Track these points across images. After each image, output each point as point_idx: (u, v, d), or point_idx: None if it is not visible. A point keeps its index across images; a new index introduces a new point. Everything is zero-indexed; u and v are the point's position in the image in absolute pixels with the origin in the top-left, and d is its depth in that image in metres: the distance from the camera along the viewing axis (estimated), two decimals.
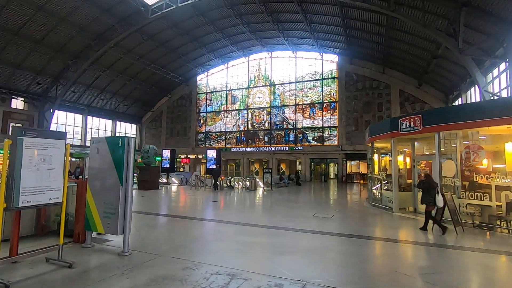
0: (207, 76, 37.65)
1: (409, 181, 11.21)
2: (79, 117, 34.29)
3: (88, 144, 34.64)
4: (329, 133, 30.98)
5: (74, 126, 34.05)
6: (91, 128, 35.85)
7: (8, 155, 3.58)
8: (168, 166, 22.22)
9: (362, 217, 9.29)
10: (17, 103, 28.68)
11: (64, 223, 5.42)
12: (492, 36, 14.37)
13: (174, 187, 20.23)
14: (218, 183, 17.71)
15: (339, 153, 30.12)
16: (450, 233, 6.76)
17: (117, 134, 38.99)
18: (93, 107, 34.79)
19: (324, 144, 31.01)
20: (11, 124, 27.84)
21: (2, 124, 27.03)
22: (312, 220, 8.30)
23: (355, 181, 29.53)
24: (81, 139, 34.33)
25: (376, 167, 12.43)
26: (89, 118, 35.26)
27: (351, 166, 30.96)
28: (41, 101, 29.54)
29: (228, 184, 19.03)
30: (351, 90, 30.17)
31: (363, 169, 30.54)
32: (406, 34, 20.95)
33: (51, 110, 30.00)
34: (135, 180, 20.21)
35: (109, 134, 38.07)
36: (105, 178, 4.72)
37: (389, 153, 11.00)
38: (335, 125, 30.68)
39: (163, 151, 23.08)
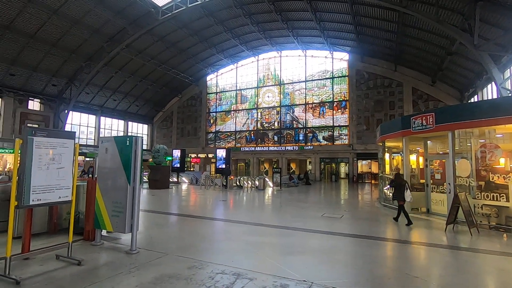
0: (216, 76, 37.83)
1: (422, 181, 10.93)
2: (92, 118, 35.08)
3: None
4: (340, 132, 30.60)
5: (87, 126, 34.86)
6: (104, 129, 36.61)
7: (19, 154, 3.67)
8: (178, 165, 22.43)
9: (373, 218, 9.11)
10: (34, 105, 29.57)
11: (75, 221, 5.53)
12: (510, 31, 13.84)
13: (184, 187, 20.42)
14: (227, 182, 17.79)
15: (350, 153, 29.72)
16: (465, 235, 6.55)
17: (129, 134, 39.70)
18: (105, 108, 35.52)
19: (335, 143, 30.66)
20: (28, 125, 28.77)
21: (20, 124, 27.92)
22: (321, 220, 8.21)
23: (366, 181, 29.08)
24: (94, 139, 35.09)
25: (387, 167, 12.18)
26: (102, 118, 36.01)
27: (362, 165, 30.49)
28: (56, 102, 30.37)
29: (238, 183, 19.06)
30: (362, 88, 29.70)
31: (375, 168, 30.04)
32: (419, 30, 20.45)
33: (66, 111, 30.81)
34: (146, 179, 20.55)
35: (121, 134, 38.81)
36: (114, 177, 4.79)
37: (401, 152, 10.76)
38: (346, 124, 30.28)
39: (173, 150, 23.33)
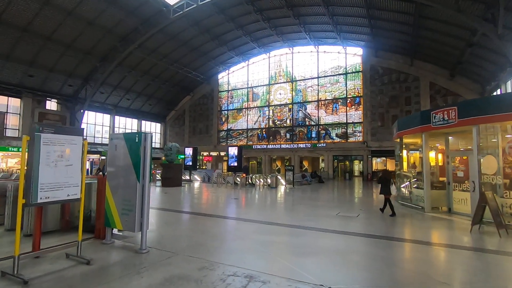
0: (228, 74, 37.76)
1: (441, 178, 10.45)
2: (107, 117, 35.75)
3: None
4: (354, 129, 29.95)
5: (102, 125, 35.57)
6: (119, 128, 37.23)
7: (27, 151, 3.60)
8: (190, 163, 22.50)
9: (390, 217, 8.74)
10: (51, 105, 30.38)
11: (87, 219, 5.50)
12: None
13: (196, 184, 20.46)
14: (245, 180, 17.72)
15: (364, 150, 29.04)
16: (493, 236, 6.14)
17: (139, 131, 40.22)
18: (119, 107, 36.11)
19: (348, 140, 30.04)
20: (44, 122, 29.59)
21: None
22: (335, 219, 7.92)
23: None
24: (109, 138, 35.74)
25: (405, 164, 11.70)
26: (116, 117, 36.64)
27: (377, 163, 29.76)
28: (72, 102, 31.09)
29: (250, 181, 18.91)
30: (377, 84, 28.92)
31: (390, 166, 29.25)
32: (437, 22, 19.61)
33: (81, 111, 31.51)
34: (158, 177, 20.72)
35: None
36: (123, 175, 4.70)
37: (420, 149, 10.29)
38: (360, 120, 29.59)
39: (186, 149, 23.41)
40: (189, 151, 22.84)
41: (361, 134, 29.49)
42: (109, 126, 36.00)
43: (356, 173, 31.59)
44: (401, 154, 11.21)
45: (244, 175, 18.64)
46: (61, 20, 23.30)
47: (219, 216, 7.97)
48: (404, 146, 11.65)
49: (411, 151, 12.91)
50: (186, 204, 11.06)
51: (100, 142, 34.49)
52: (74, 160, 3.91)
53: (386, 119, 28.29)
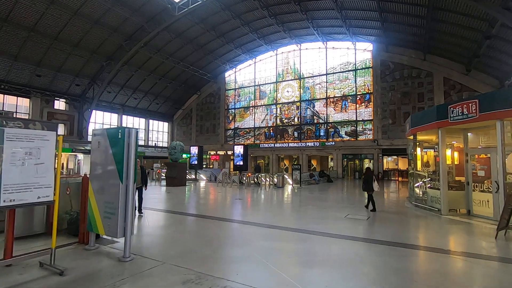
0: (235, 72, 37.32)
1: (457, 178, 9.70)
2: (114, 116, 35.83)
3: None
4: (364, 127, 29.06)
5: (110, 125, 35.64)
6: (126, 127, 37.28)
7: None
8: (196, 162, 22.17)
9: (404, 220, 8.10)
10: (59, 104, 30.57)
11: (73, 222, 5.10)
12: None
13: (202, 184, 20.10)
14: (246, 179, 17.26)
15: (375, 148, 28.13)
16: None
17: (150, 132, 40.29)
18: (127, 106, 36.15)
19: (358, 139, 29.17)
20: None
21: None
22: (344, 222, 7.34)
23: (392, 178, 27.43)
24: None
25: (419, 163, 10.97)
26: (124, 117, 36.69)
27: (388, 162, 28.79)
28: (80, 102, 31.24)
29: (255, 180, 18.41)
30: (388, 80, 27.94)
31: (402, 165, 28.25)
32: (452, 13, 18.63)
33: (89, 110, 31.66)
34: (164, 176, 20.43)
35: (142, 132, 39.45)
36: (105, 174, 4.27)
37: (435, 147, 9.57)
38: (370, 118, 28.68)
39: (191, 147, 23.10)
40: (194, 150, 22.51)
41: (371, 132, 28.59)
42: (117, 126, 36.09)
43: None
44: (414, 152, 10.49)
45: (250, 174, 18.15)
46: (67, 20, 23.31)
47: (219, 219, 7.50)
48: (417, 143, 10.95)
49: (424, 149, 12.17)
50: (187, 205, 10.63)
51: None
52: (46, 158, 3.49)
53: (397, 117, 27.31)
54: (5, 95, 26.43)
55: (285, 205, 10.81)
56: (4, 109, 26.10)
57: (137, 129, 4.19)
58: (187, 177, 23.59)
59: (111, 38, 26.86)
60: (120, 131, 4.14)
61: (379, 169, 27.82)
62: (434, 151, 12.89)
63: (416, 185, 10.56)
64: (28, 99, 27.84)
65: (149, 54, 29.92)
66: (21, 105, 27.72)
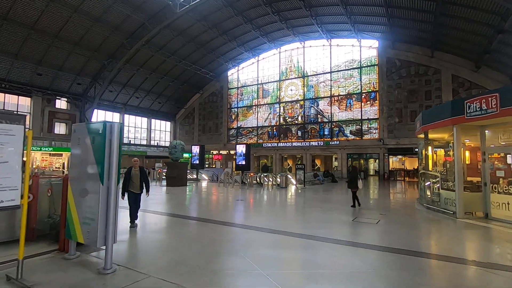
0: (237, 70, 36.84)
1: (470, 178, 9.10)
2: (116, 116, 35.54)
3: (125, 141, 35.88)
4: (369, 126, 28.40)
5: None
6: (128, 126, 37.04)
7: None
8: (197, 162, 21.73)
9: (416, 224, 7.54)
10: (61, 103, 30.34)
11: (54, 227, 4.64)
12: None
13: (204, 184, 19.64)
14: (248, 179, 16.80)
15: (380, 148, 27.46)
16: None
17: (152, 132, 39.98)
18: (129, 105, 35.85)
19: (363, 138, 28.52)
20: (56, 123, 29.62)
21: (48, 123, 28.75)
22: (352, 226, 6.80)
23: (398, 178, 26.72)
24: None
25: (430, 162, 10.37)
26: (126, 116, 36.41)
27: (394, 161, 28.08)
28: (82, 101, 30.98)
29: (258, 180, 17.91)
30: (394, 77, 27.25)
31: (408, 165, 27.57)
32: (462, 7, 17.95)
33: (91, 109, 31.39)
34: (164, 176, 20.03)
35: (144, 131, 39.16)
36: (85, 175, 3.80)
37: (450, 145, 8.98)
38: (376, 117, 28.01)
39: (192, 147, 22.66)
40: (196, 149, 22.07)
41: (377, 131, 27.93)
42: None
43: (372, 172, 30.00)
44: (426, 150, 9.89)
45: (252, 174, 17.66)
46: (67, 18, 23.01)
47: (217, 222, 7.00)
48: (429, 142, 10.35)
49: (435, 149, 11.56)
50: (185, 206, 10.14)
51: None
52: (11, 156, 3.03)
53: (404, 115, 26.62)
54: (6, 94, 26.25)
55: (288, 207, 10.29)
56: (4, 108, 25.92)
57: (121, 123, 3.70)
58: (188, 177, 23.18)
59: (112, 36, 26.53)
60: (101, 126, 3.66)
61: (385, 169, 27.16)
62: (445, 150, 12.28)
63: (427, 184, 9.97)
64: (29, 98, 27.63)
65: (151, 52, 29.57)
66: (22, 104, 27.54)
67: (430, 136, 9.73)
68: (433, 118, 8.88)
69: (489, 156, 7.90)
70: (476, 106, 7.11)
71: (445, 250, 5.22)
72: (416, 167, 26.39)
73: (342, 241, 5.34)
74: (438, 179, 9.03)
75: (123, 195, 6.21)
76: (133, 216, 6.29)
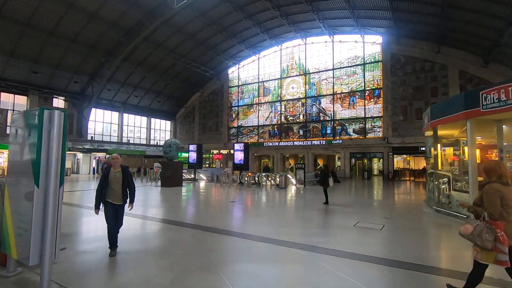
0: (238, 68, 36.14)
1: (479, 178, 8.27)
2: (115, 115, 35.04)
3: (124, 140, 35.36)
4: (373, 124, 27.52)
5: (111, 123, 34.88)
6: (127, 125, 36.53)
7: None
8: (195, 161, 21.05)
9: (426, 230, 6.76)
10: (59, 102, 29.86)
11: None
12: None
13: (201, 184, 18.95)
14: (246, 179, 16.07)
15: (385, 147, 26.58)
16: None
17: (152, 131, 39.43)
18: (128, 104, 35.32)
19: (367, 136, 27.65)
20: None
21: None
22: (353, 232, 6.03)
23: (403, 178, 25.82)
24: (117, 136, 35.10)
25: (439, 161, 9.55)
26: (125, 115, 35.89)
27: (398, 161, 27.16)
28: (80, 100, 30.48)
29: (256, 180, 17.17)
30: (398, 74, 26.35)
31: (414, 164, 26.67)
32: None
33: (89, 108, 30.88)
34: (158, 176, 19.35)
35: (144, 130, 38.63)
36: (21, 175, 3.10)
37: (463, 142, 8.18)
38: (380, 115, 27.12)
39: (190, 145, 21.98)
40: (193, 148, 21.40)
41: (381, 129, 27.04)
42: (118, 124, 35.29)
43: (375, 172, 29.13)
44: (436, 148, 9.07)
45: (250, 174, 16.93)
46: (62, 13, 22.47)
47: (200, 228, 6.26)
48: (437, 139, 9.54)
49: (443, 147, 10.73)
50: (172, 209, 9.38)
51: (109, 140, 33.82)
52: None
53: (409, 113, 25.72)
54: (2, 93, 25.79)
55: (285, 210, 9.53)
56: (0, 107, 25.47)
57: (65, 111, 2.96)
58: (186, 177, 22.52)
59: (109, 33, 25.97)
60: (37, 113, 2.95)
61: (389, 169, 26.26)
62: (454, 148, 11.46)
63: (436, 185, 9.15)
64: (25, 97, 27.17)
65: (149, 50, 28.99)
66: (18, 103, 27.06)
67: (440, 133, 8.91)
68: (443, 112, 8.07)
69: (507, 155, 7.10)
70: (493, 97, 6.30)
71: (465, 264, 4.43)
72: (422, 167, 25.51)
73: (341, 253, 4.58)
74: (448, 179, 8.22)
75: (97, 207, 4.40)
76: (113, 239, 4.42)
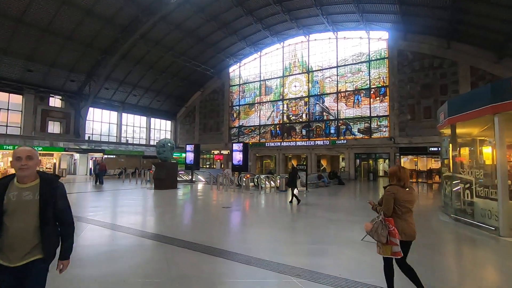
0: (239, 66, 35.22)
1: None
2: (114, 114, 34.32)
3: (123, 141, 34.61)
4: (378, 123, 26.41)
5: (109, 123, 34.16)
6: (126, 125, 35.81)
7: None
8: (192, 162, 20.15)
9: (449, 246, 5.74)
10: (55, 102, 29.18)
11: None
12: None
13: (199, 186, 18.02)
14: (245, 181, 15.12)
15: (391, 147, 25.46)
16: None
17: (152, 131, 38.68)
18: (127, 104, 34.59)
19: (372, 136, 26.55)
20: (49, 122, 28.46)
21: (41, 122, 27.60)
22: (361, 250, 5.02)
23: (410, 180, 24.57)
24: (116, 136, 34.37)
25: (458, 162, 8.48)
26: (124, 115, 35.16)
27: (405, 162, 25.93)
28: (77, 99, 29.78)
29: (255, 182, 16.19)
30: (406, 71, 25.21)
31: (422, 165, 25.48)
32: None
33: (86, 108, 30.17)
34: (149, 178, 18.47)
35: (144, 130, 37.88)
36: None
37: (489, 140, 7.13)
38: (386, 114, 26.01)
39: (187, 145, 21.10)
40: (190, 148, 20.50)
41: (387, 129, 25.91)
42: (116, 124, 34.56)
43: (381, 173, 27.98)
44: (455, 148, 8.00)
45: (248, 176, 15.96)
46: (56, 9, 21.76)
47: (178, 243, 5.28)
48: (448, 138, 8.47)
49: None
50: (154, 217, 8.41)
51: (107, 140, 33.09)
52: None
53: (417, 111, 24.58)
54: None
55: (283, 218, 8.54)
56: None
57: None
58: (183, 179, 21.62)
59: (104, 30, 25.22)
60: None
61: None
62: (469, 149, 10.35)
63: (456, 188, 8.10)
64: (20, 96, 26.50)
65: (147, 47, 28.22)
66: (14, 102, 26.40)
67: (459, 131, 7.85)
68: (464, 107, 7.02)
69: None
70: None
71: None
72: (429, 168, 24.33)
73: (344, 282, 3.59)
74: (470, 184, 7.16)
75: None
76: None
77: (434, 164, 24.23)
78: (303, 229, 6.90)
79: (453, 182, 7.83)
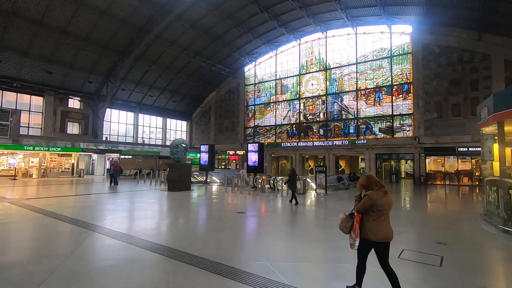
0: (255, 65, 34.59)
1: None
2: (131, 115, 34.64)
3: (139, 141, 34.86)
4: (401, 122, 24.98)
5: (126, 124, 34.50)
6: (143, 126, 36.08)
7: None
8: (206, 163, 19.70)
9: (504, 265, 4.80)
10: (74, 103, 29.71)
11: None
12: None
13: (214, 188, 17.51)
14: (260, 183, 14.44)
15: (415, 147, 23.98)
16: None
17: (168, 131, 38.80)
18: (143, 105, 34.81)
19: (395, 136, 25.15)
20: (68, 123, 28.99)
21: (61, 123, 28.15)
22: (402, 272, 4.13)
23: (437, 183, 23.10)
24: (133, 137, 34.67)
25: (496, 165, 7.42)
26: (140, 115, 35.43)
27: (430, 163, 24.24)
28: (95, 100, 30.19)
29: (271, 184, 15.47)
30: (431, 66, 23.66)
31: (450, 167, 23.75)
32: None
33: (104, 109, 30.54)
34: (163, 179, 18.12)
35: (160, 131, 38.05)
36: None
37: None
38: (409, 112, 24.55)
39: (202, 146, 20.68)
40: (205, 148, 20.06)
41: (411, 128, 24.44)
42: (133, 124, 34.87)
43: (404, 175, 26.45)
44: (502, 147, 6.94)
45: (264, 177, 15.27)
46: (73, 11, 21.99)
47: (182, 257, 4.69)
48: (487, 137, 7.40)
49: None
50: (161, 223, 7.87)
51: (124, 140, 33.41)
52: None
53: (444, 109, 22.99)
54: (18, 94, 25.82)
55: (302, 226, 7.76)
56: (17, 108, 25.44)
57: None
58: (197, 179, 21.25)
59: (121, 31, 25.35)
60: None
61: (421, 172, 23.58)
62: None
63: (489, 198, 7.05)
64: (41, 98, 27.13)
65: (163, 48, 28.16)
66: (35, 104, 27.06)
67: (507, 128, 6.79)
68: None
69: None
70: None
71: None
72: (456, 169, 22.65)
73: None
74: None
75: None
76: None
77: (461, 165, 22.58)
78: (325, 241, 6.10)
79: (499, 188, 6.79)
